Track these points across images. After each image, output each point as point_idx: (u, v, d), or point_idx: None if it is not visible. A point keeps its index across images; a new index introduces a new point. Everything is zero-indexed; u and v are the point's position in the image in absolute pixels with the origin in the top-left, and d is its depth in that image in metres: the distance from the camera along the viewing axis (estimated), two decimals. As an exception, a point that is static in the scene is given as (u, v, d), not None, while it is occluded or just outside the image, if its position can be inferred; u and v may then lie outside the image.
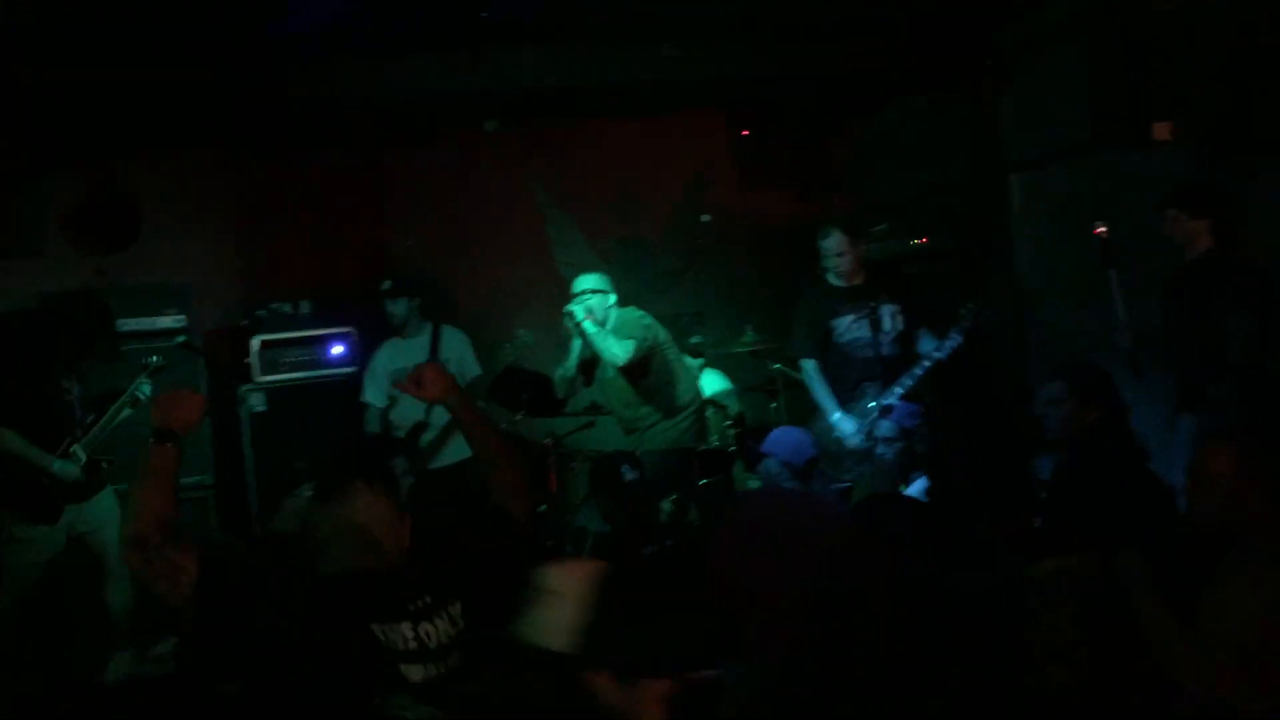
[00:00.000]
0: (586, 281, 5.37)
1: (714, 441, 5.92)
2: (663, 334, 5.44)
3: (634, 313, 5.40)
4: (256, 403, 5.80)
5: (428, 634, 2.41)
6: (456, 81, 5.80)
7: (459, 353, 5.75)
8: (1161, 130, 4.75)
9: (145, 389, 4.92)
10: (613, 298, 5.36)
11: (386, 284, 5.74)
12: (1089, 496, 3.21)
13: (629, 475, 4.94)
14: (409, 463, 4.65)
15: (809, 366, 5.37)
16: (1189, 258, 4.57)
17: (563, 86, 6.07)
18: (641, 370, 5.33)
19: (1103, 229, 4.73)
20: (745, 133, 7.35)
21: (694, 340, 6.51)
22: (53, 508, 4.76)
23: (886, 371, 5.18)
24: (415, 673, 2.36)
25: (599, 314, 5.28)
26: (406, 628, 2.40)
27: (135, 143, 6.17)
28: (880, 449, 5.08)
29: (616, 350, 5.18)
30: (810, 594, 2.93)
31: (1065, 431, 3.64)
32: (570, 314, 5.24)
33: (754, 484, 5.05)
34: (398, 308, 5.69)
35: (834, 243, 5.27)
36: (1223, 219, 4.53)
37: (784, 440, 4.09)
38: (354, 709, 2.31)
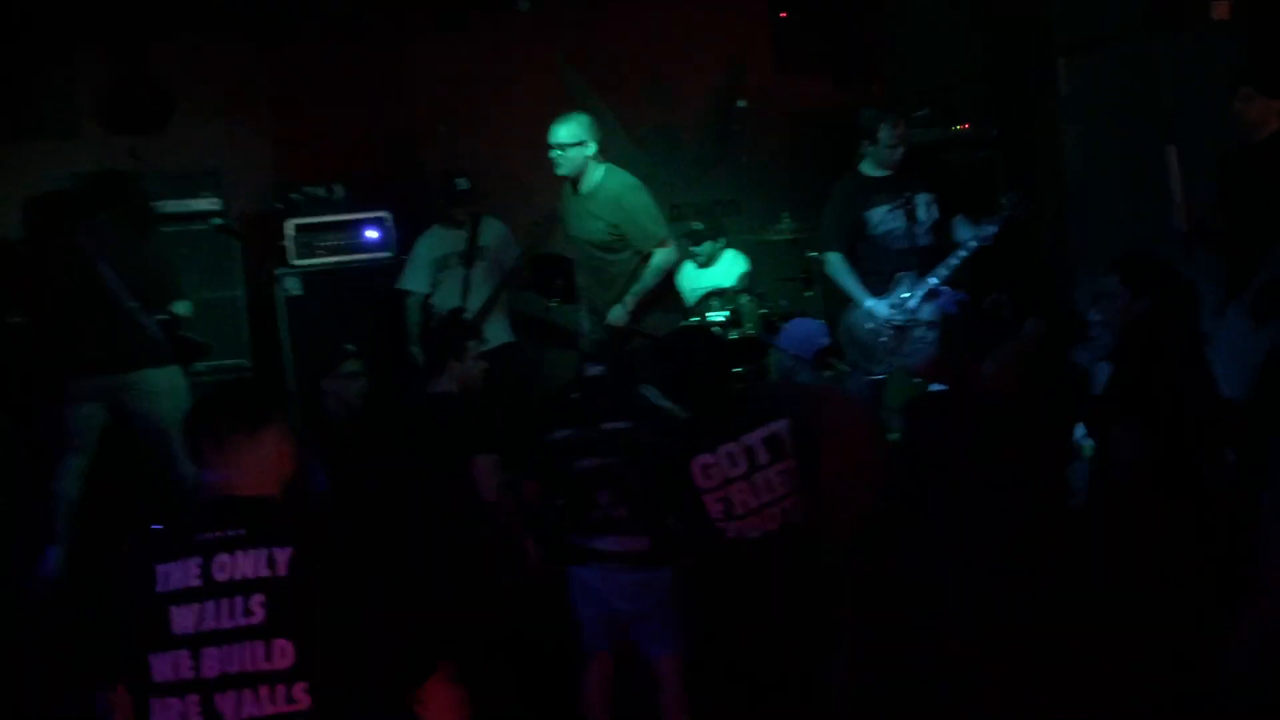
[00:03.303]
0: (561, 133, 5.00)
1: (749, 329, 5.90)
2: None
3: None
4: (292, 286, 5.81)
5: None
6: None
7: (498, 241, 5.71)
8: (1221, 10, 4.56)
9: None
10: (592, 147, 5.05)
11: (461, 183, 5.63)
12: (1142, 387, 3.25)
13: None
14: None
15: (834, 259, 5.30)
16: (1256, 139, 4.37)
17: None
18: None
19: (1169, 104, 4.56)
20: (783, 14, 7.14)
21: (696, 226, 6.26)
22: None
23: (922, 263, 5.14)
24: None
25: (578, 165, 5.04)
26: None
27: (165, 24, 6.07)
28: (919, 331, 5.05)
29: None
30: None
31: (1120, 324, 3.59)
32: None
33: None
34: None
35: (898, 133, 5.14)
36: None
37: (793, 333, 3.95)
38: None
